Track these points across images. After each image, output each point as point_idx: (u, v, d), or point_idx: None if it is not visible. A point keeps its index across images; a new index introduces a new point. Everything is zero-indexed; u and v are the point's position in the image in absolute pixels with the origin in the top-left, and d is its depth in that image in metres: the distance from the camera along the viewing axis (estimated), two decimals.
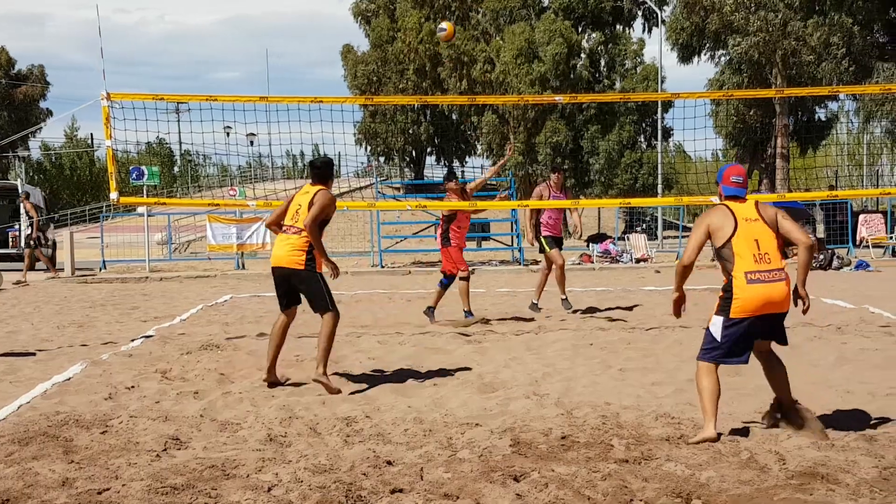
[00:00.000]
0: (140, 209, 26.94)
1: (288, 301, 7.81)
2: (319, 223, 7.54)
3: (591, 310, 13.35)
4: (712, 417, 5.67)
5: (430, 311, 12.12)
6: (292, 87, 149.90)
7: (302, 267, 7.50)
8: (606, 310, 13.19)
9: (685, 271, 6.03)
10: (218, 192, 54.26)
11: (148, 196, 25.96)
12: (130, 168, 26.78)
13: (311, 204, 7.54)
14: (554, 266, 12.87)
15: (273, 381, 7.74)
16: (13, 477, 5.00)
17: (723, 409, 6.10)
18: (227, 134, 31.98)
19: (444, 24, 13.46)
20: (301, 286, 7.64)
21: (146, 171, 25.66)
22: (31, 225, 21.14)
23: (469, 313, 11.99)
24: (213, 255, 25.97)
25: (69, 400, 7.14)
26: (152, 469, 5.14)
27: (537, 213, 13.12)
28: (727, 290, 5.77)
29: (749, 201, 6.03)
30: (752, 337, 5.82)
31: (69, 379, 8.08)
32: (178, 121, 57.59)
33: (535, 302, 12.94)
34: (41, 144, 73.06)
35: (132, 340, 10.51)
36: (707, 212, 6.07)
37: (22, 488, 4.80)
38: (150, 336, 10.88)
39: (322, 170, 7.88)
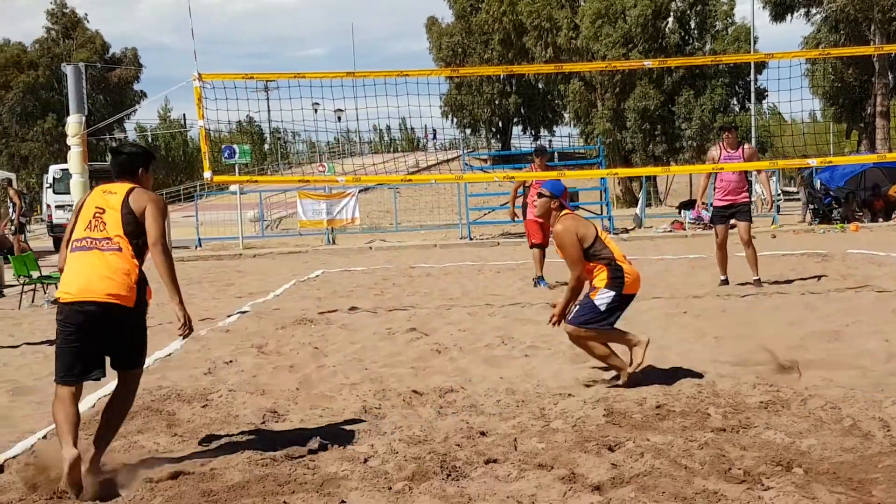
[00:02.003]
0: (233, 187, 27.43)
1: (91, 363, 4.77)
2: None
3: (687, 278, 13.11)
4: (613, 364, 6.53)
5: (538, 280, 12.63)
6: (377, 62, 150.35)
7: (132, 304, 4.78)
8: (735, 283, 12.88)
9: (579, 287, 6.67)
10: (307, 168, 54.91)
11: (240, 174, 26.41)
12: (222, 147, 27.28)
13: (125, 208, 4.91)
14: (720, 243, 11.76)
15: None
16: (120, 450, 5.17)
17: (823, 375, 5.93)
18: (315, 110, 32.21)
19: None
20: (126, 332, 4.87)
21: (238, 150, 26.11)
22: (14, 211, 21.44)
23: (540, 279, 12.54)
24: (304, 231, 26.34)
25: (170, 375, 7.34)
26: (252, 441, 5.25)
27: (706, 177, 12.46)
28: (617, 269, 6.50)
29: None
30: (622, 311, 6.64)
31: (170, 355, 8.30)
32: (268, 99, 58.26)
33: (723, 277, 11.81)
34: (136, 126, 74.99)
35: (228, 316, 10.75)
36: (566, 226, 6.61)
37: (127, 461, 4.96)
38: (246, 312, 11.11)
39: (129, 158, 5.23)
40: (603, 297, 6.46)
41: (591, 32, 43.16)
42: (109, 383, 5.36)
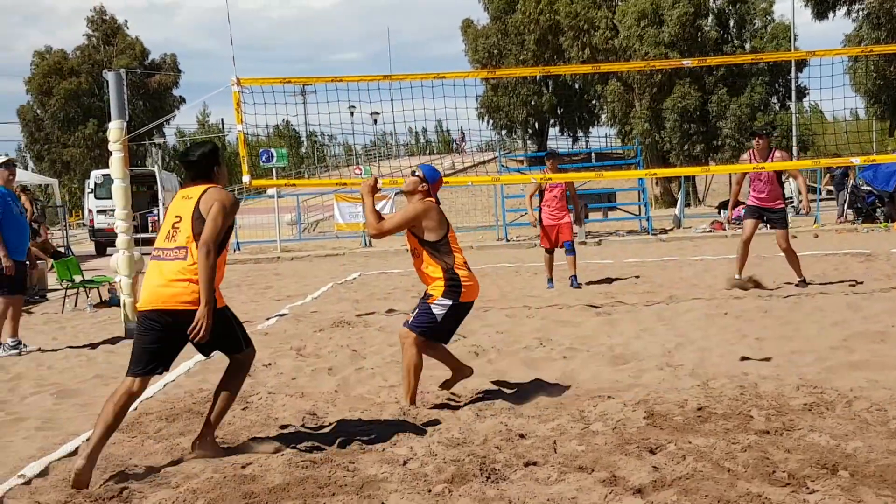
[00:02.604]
0: (270, 191, 27.59)
1: (157, 359, 5.14)
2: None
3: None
4: (414, 391, 6.24)
5: (572, 279, 12.80)
6: (412, 65, 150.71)
7: (194, 306, 4.96)
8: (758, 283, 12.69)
9: (377, 235, 6.48)
10: (344, 171, 55.15)
11: (277, 178, 26.57)
12: (260, 151, 27.46)
13: (196, 212, 5.08)
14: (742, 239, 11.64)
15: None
16: (161, 452, 5.22)
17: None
18: (352, 114, 32.38)
19: None
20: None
21: (275, 154, 26.27)
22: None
23: (550, 281, 12.89)
24: (341, 234, 26.43)
25: (211, 378, 7.37)
26: (292, 443, 5.27)
27: (737, 185, 12.21)
28: (453, 278, 6.27)
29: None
30: (460, 321, 6.46)
31: (210, 357, 8.34)
32: (305, 103, 58.64)
33: (738, 276, 11.64)
34: (176, 131, 75.78)
35: (267, 319, 10.81)
36: (424, 206, 6.40)
37: (170, 463, 5.00)
38: (284, 314, 11.17)
39: (199, 161, 5.33)
40: (440, 306, 6.24)
41: (634, 32, 42.91)
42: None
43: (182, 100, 64.63)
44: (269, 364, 7.92)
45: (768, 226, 11.65)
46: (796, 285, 11.34)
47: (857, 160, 12.23)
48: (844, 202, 25.33)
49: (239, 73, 11.06)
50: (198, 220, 5.02)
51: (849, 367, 6.68)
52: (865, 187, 26.61)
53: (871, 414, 5.27)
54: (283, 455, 4.92)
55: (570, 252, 12.83)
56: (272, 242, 25.74)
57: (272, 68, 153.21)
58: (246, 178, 11.49)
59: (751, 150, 11.54)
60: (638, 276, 13.87)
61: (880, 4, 28.67)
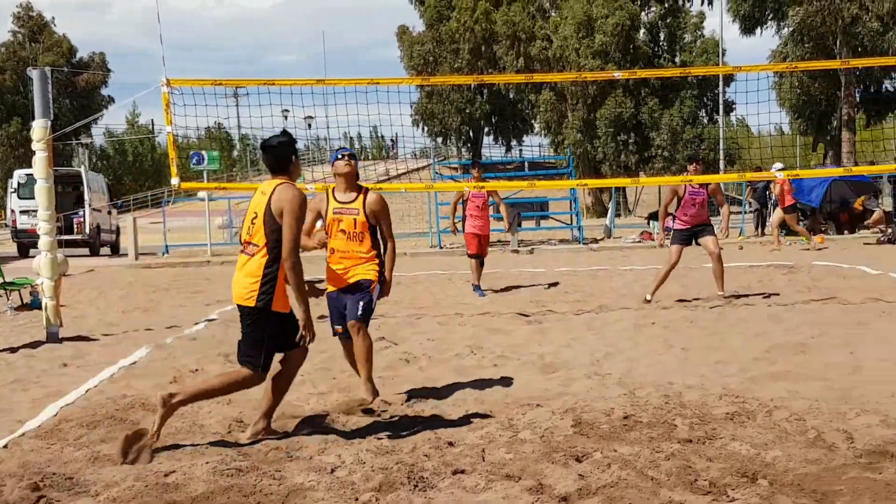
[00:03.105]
0: (201, 194, 27.26)
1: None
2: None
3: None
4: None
5: (475, 287, 13.18)
6: (349, 69, 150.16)
7: (252, 302, 5.28)
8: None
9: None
10: None
11: (208, 181, 26.26)
12: (191, 153, 27.12)
13: (268, 212, 5.25)
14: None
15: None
16: (82, 460, 5.10)
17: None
18: (285, 117, 32.17)
19: None
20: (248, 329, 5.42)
21: (206, 156, 25.98)
22: None
23: (477, 287, 13.13)
24: None
25: (135, 383, 7.26)
26: (217, 452, 5.20)
27: (664, 209, 12.31)
28: (380, 265, 6.48)
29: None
30: None
31: (135, 363, 8.22)
32: (237, 105, 58.11)
33: (648, 298, 11.54)
34: (104, 131, 74.41)
35: (196, 324, 10.67)
36: (380, 196, 6.57)
37: (91, 470, 4.90)
38: (214, 319, 11.03)
39: (279, 148, 5.47)
40: (374, 292, 6.40)
41: (569, 43, 43.39)
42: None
43: (111, 99, 63.63)
44: (197, 370, 7.81)
45: (697, 239, 11.72)
46: (717, 296, 11.50)
47: (780, 175, 12.52)
48: (766, 216, 25.90)
49: (173, 74, 10.95)
50: (270, 220, 5.21)
51: (770, 377, 6.82)
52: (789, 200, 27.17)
53: (790, 423, 5.39)
54: (207, 463, 4.86)
55: (480, 264, 13.38)
56: (202, 246, 25.42)
57: (209, 69, 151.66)
58: (175, 181, 11.33)
59: (685, 174, 11.56)
60: (554, 284, 14.08)
61: (804, 22, 29.39)
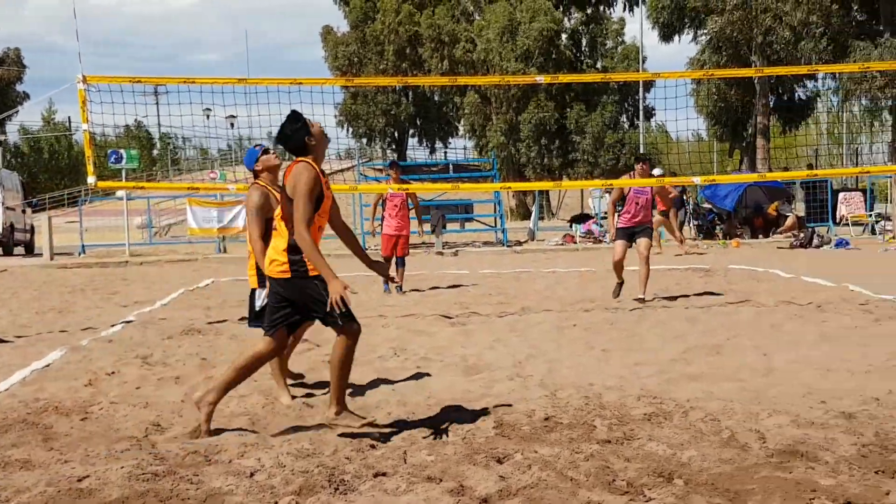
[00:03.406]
0: (119, 193, 26.75)
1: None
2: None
3: (578, 292, 13.34)
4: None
5: (398, 287, 13.53)
6: (273, 69, 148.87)
7: (287, 275, 5.52)
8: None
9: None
10: (198, 175, 53.94)
11: (127, 180, 25.80)
12: (109, 151, 26.59)
13: (283, 190, 5.52)
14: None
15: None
16: None
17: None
18: (207, 116, 31.88)
19: None
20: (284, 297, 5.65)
21: (125, 155, 25.53)
22: None
23: (386, 284, 13.56)
24: (194, 239, 25.86)
25: (49, 387, 7.08)
26: (133, 456, 5.10)
27: (612, 206, 12.12)
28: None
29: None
30: None
31: (48, 365, 8.02)
32: (157, 103, 57.22)
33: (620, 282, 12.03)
34: (19, 128, 72.50)
35: (112, 326, 10.46)
36: (256, 190, 6.64)
37: (1, 476, 4.77)
38: (131, 321, 10.83)
39: (292, 136, 5.61)
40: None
41: (492, 46, 43.65)
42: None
43: (26, 96, 61.99)
44: (113, 373, 7.65)
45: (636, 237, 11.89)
46: (636, 300, 11.67)
47: (697, 179, 12.79)
48: (683, 221, 26.45)
49: (90, 71, 10.72)
50: (286, 198, 5.41)
51: (687, 378, 6.96)
52: (706, 205, 27.84)
53: (705, 424, 5.51)
54: (122, 468, 4.77)
55: (400, 265, 13.61)
56: (120, 246, 24.93)
57: (129, 66, 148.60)
58: (91, 180, 11.10)
59: (631, 173, 11.93)
60: (474, 285, 14.21)
61: (722, 30, 30.05)
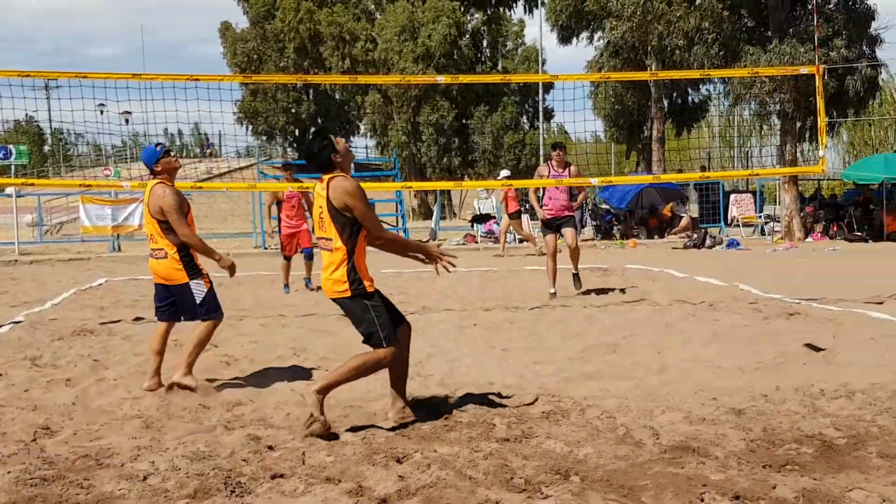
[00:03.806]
0: (8, 190, 25.87)
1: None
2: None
3: (479, 291, 13.44)
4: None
5: (306, 280, 13.77)
6: (172, 65, 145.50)
7: (348, 294, 5.60)
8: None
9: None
10: (92, 171, 52.50)
11: (16, 176, 24.93)
12: None
13: (331, 207, 5.54)
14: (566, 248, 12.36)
15: None
16: None
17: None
18: (101, 112, 31.00)
19: None
20: (350, 316, 5.77)
21: (13, 151, 24.70)
22: None
23: (286, 287, 13.60)
24: (87, 238, 25.16)
25: None
26: (21, 460, 4.94)
27: (534, 193, 12.88)
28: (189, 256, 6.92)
29: (150, 183, 7.00)
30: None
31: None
32: (48, 98, 55.50)
33: (554, 291, 12.25)
34: None
35: (0, 327, 10.10)
36: (168, 190, 6.85)
37: None
38: (20, 322, 10.47)
39: (319, 153, 5.70)
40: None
41: (392, 46, 43.60)
42: None
43: None
44: (1, 374, 7.39)
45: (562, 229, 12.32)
46: (574, 281, 12.48)
47: (595, 180, 13.00)
48: (581, 221, 26.93)
49: None
50: (335, 215, 5.51)
51: (584, 376, 7.08)
52: (604, 206, 28.37)
53: (601, 421, 5.61)
54: (9, 473, 4.61)
55: (308, 258, 13.67)
56: (9, 245, 24.10)
57: (21, 60, 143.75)
58: None
59: (549, 162, 12.39)
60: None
61: (618, 34, 30.70)
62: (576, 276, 12.62)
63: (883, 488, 4.29)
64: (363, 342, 5.69)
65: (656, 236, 27.07)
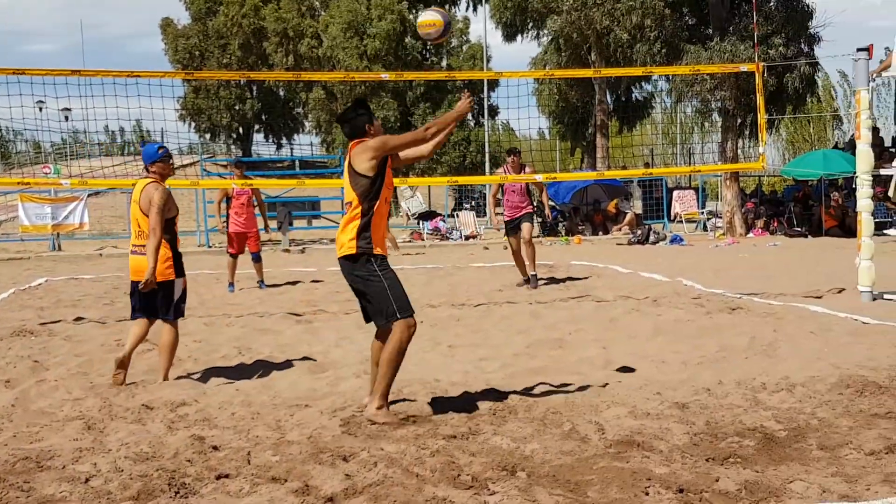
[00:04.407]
0: None
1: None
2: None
3: (425, 287, 13.44)
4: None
5: (260, 283, 13.90)
6: (112, 60, 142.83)
7: (353, 250, 5.72)
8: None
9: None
10: (31, 169, 51.46)
11: None
12: None
13: (350, 170, 5.75)
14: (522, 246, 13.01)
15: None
16: None
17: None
18: (40, 109, 30.44)
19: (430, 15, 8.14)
20: (354, 282, 5.86)
21: None
22: None
23: (231, 285, 13.57)
24: (26, 237, 24.68)
25: None
26: None
27: (493, 197, 13.77)
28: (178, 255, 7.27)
29: (143, 181, 7.16)
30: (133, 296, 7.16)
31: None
32: None
33: (526, 278, 13.14)
34: None
35: None
36: (159, 188, 7.08)
37: None
38: None
39: (353, 119, 5.91)
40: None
41: (338, 43, 43.39)
42: None
43: None
44: None
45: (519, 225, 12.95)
46: (524, 280, 12.99)
47: (540, 177, 13.09)
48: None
49: None
50: (355, 179, 5.71)
51: (530, 372, 7.12)
52: (549, 202, 28.47)
53: (547, 417, 5.65)
54: None
55: (257, 261, 13.82)
56: None
57: None
58: None
59: (505, 165, 13.10)
60: (321, 282, 14.21)
61: (561, 31, 30.84)
62: (533, 277, 13.00)
63: (823, 479, 4.37)
64: (381, 324, 5.77)
65: (601, 232, 27.30)
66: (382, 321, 5.70)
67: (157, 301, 7.02)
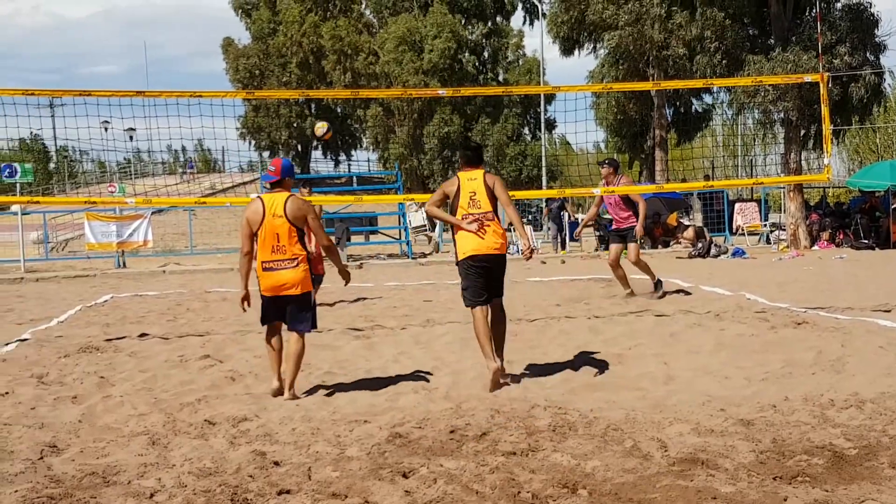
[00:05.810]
0: (14, 207, 25.92)
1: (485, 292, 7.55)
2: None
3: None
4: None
5: None
6: (173, 80, 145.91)
7: (505, 250, 7.56)
8: None
9: (244, 262, 7.53)
10: (96, 188, 52.56)
11: (22, 194, 24.97)
12: (2, 165, 25.73)
13: (487, 189, 7.47)
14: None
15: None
16: None
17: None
18: (105, 129, 31.17)
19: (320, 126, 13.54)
20: (501, 272, 7.65)
21: (19, 169, 24.77)
22: None
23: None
24: (93, 254, 25.20)
25: None
26: (28, 479, 4.93)
27: (596, 208, 14.48)
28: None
29: (281, 195, 7.29)
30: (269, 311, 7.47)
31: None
32: (53, 116, 55.69)
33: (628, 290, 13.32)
34: None
35: (6, 344, 10.09)
36: (306, 201, 7.53)
37: None
38: (26, 339, 10.47)
39: (478, 150, 7.98)
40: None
41: (394, 58, 43.69)
42: None
43: None
44: (6, 393, 7.39)
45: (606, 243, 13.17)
46: (653, 292, 13.13)
47: (597, 191, 12.99)
48: (559, 233, 27.04)
49: None
50: (489, 193, 7.44)
51: (590, 388, 7.06)
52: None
53: (608, 433, 5.59)
54: (16, 492, 4.60)
55: (318, 283, 13.60)
56: (15, 262, 24.13)
57: (22, 78, 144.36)
58: None
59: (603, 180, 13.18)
60: (379, 298, 14.20)
61: (619, 45, 30.69)
62: (658, 283, 13.29)
63: (895, 500, 4.26)
64: (499, 296, 7.71)
65: (661, 246, 27.02)
66: (501, 293, 7.62)
67: (293, 312, 7.27)
